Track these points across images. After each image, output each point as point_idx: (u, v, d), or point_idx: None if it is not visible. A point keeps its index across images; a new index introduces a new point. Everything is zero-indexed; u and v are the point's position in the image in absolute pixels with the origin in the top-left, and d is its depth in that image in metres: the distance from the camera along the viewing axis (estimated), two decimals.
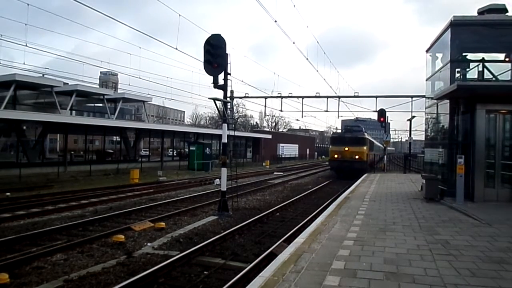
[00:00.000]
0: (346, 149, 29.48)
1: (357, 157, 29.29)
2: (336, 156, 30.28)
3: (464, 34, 12.71)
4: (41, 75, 34.76)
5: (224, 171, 14.09)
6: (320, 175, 34.93)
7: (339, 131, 48.70)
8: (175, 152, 49.40)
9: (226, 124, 13.92)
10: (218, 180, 21.26)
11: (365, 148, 30.39)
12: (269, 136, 61.08)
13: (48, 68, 77.67)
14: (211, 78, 13.27)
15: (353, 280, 4.66)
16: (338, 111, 28.21)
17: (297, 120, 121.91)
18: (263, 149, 59.30)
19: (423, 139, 23.69)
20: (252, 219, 12.32)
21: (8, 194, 17.04)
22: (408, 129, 41.42)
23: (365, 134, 32.58)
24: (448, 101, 12.57)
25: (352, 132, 31.75)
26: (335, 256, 5.65)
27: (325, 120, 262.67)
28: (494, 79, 11.96)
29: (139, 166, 30.59)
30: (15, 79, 28.87)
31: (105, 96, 39.18)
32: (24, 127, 30.38)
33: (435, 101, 14.20)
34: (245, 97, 29.83)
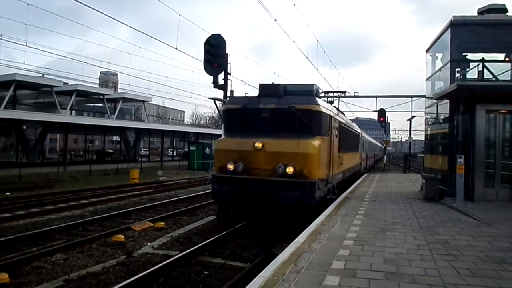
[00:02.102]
0: (259, 145, 9.82)
1: (290, 169, 9.57)
2: (230, 166, 10.14)
3: (464, 34, 12.71)
4: (41, 75, 34.82)
5: None
6: None
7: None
8: (176, 152, 49.39)
9: None
10: None
11: (317, 142, 9.96)
12: None
13: (48, 68, 77.75)
14: (211, 78, 13.27)
15: (353, 280, 4.66)
16: (342, 114, 28.12)
17: None
18: None
19: (423, 139, 23.69)
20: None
21: (8, 194, 17.05)
22: (408, 129, 41.46)
23: (324, 104, 11.26)
24: (448, 101, 12.58)
25: (279, 97, 10.52)
26: (335, 256, 5.64)
27: None
28: (494, 79, 11.97)
29: (139, 166, 30.62)
30: (15, 79, 28.91)
31: (105, 96, 39.23)
32: (24, 127, 30.39)
33: (435, 101, 14.20)
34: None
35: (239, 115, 10.72)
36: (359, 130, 22.54)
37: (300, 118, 9.85)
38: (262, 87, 10.91)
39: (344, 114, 18.21)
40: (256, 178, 9.75)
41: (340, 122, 13.30)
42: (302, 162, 9.49)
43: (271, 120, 10.23)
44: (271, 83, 11.46)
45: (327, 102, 15.35)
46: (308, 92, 11.11)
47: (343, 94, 18.75)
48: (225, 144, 10.70)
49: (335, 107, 16.51)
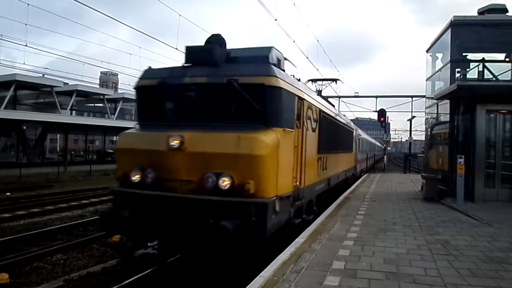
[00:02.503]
0: (176, 142, 6.05)
1: (225, 181, 5.88)
2: (135, 176, 6.41)
3: (464, 34, 12.73)
4: (41, 75, 34.86)
5: None
6: None
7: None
8: None
9: None
10: None
11: (273, 137, 6.17)
12: None
13: (48, 68, 77.80)
14: None
15: (353, 280, 4.66)
16: (339, 111, 28.20)
17: None
18: None
19: (423, 139, 23.71)
20: None
21: (8, 194, 17.06)
22: (408, 129, 41.39)
23: (287, 78, 7.16)
24: (448, 101, 12.58)
25: (216, 65, 6.75)
26: (335, 256, 5.64)
27: None
28: (494, 79, 11.98)
29: None
30: (15, 79, 28.92)
31: (105, 96, 39.21)
32: (24, 127, 30.42)
33: (435, 101, 14.21)
34: None
35: (155, 96, 6.94)
36: (353, 126, 19.42)
37: (246, 98, 6.17)
38: (190, 50, 7.02)
39: (332, 105, 15.23)
40: (172, 195, 6.08)
41: (322, 111, 9.63)
42: (245, 169, 5.84)
43: (201, 102, 6.59)
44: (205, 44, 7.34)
45: (316, 91, 12.74)
46: (262, 58, 6.92)
47: (334, 82, 15.94)
48: (129, 141, 6.96)
49: (321, 95, 13.41)
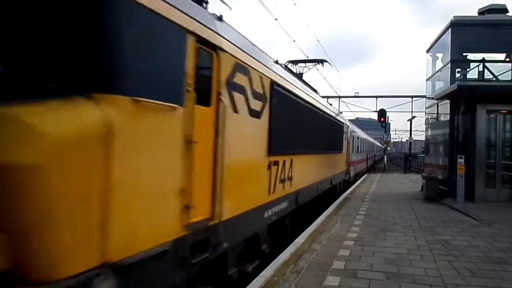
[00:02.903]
0: None
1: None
2: None
3: (465, 34, 12.74)
4: None
5: None
6: None
7: None
8: None
9: None
10: None
11: (84, 118, 2.42)
12: None
13: None
14: None
15: (353, 280, 4.66)
16: (339, 111, 28.22)
17: None
18: None
19: (424, 139, 23.70)
20: None
21: None
22: (409, 129, 41.34)
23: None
24: (448, 101, 12.57)
25: None
26: (335, 256, 5.64)
27: None
28: (494, 79, 11.99)
29: None
30: None
31: None
32: None
33: (436, 101, 14.20)
34: None
35: None
36: (344, 121, 15.85)
37: (32, 18, 2.65)
38: None
39: (315, 90, 10.86)
40: None
41: (276, 84, 6.07)
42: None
43: None
44: None
45: (297, 74, 9.48)
46: None
47: (321, 64, 12.27)
48: None
49: (302, 79, 9.70)
